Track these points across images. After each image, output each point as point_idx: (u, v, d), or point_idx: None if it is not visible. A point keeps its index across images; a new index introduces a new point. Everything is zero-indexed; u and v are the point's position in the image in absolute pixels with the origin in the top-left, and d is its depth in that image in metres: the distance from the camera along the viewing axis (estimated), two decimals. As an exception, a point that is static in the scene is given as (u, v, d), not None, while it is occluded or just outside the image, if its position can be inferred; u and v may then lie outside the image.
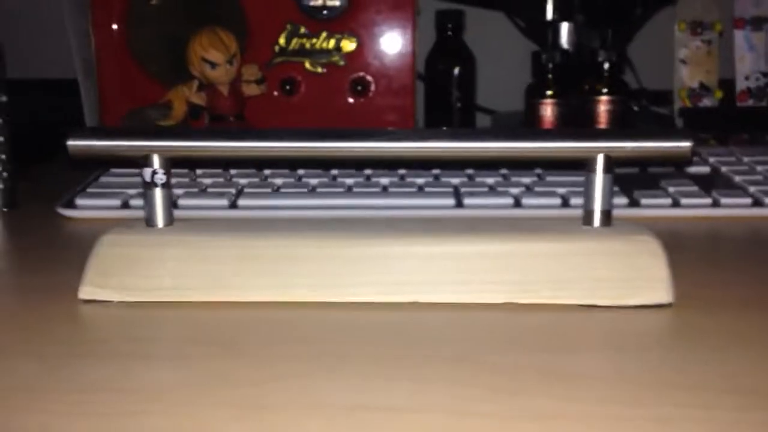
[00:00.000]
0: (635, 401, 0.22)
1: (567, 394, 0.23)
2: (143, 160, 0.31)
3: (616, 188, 0.44)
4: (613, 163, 0.31)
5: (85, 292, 0.30)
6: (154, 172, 0.31)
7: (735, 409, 0.22)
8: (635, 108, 0.68)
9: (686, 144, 0.31)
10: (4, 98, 0.44)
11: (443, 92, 0.69)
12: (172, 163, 0.32)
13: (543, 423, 0.21)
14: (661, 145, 0.31)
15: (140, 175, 0.32)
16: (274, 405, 0.22)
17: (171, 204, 0.32)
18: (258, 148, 0.32)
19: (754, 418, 0.21)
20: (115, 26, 0.60)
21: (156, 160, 0.31)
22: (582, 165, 0.32)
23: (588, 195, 0.32)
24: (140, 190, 0.43)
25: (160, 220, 0.32)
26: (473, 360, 0.25)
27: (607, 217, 0.32)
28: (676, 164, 0.48)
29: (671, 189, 0.44)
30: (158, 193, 0.32)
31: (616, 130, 0.32)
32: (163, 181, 0.32)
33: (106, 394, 0.23)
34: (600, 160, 0.31)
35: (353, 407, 0.22)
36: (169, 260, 0.30)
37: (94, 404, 0.22)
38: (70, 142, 0.31)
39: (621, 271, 0.30)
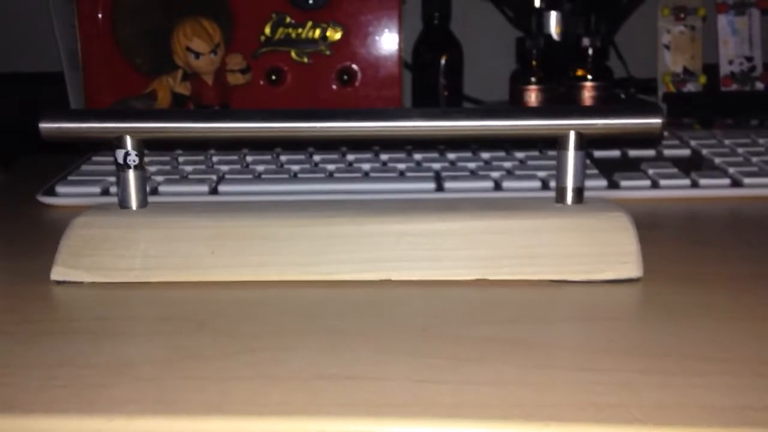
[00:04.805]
0: (599, 368, 0.22)
1: (532, 362, 0.23)
2: (116, 142, 0.31)
3: (595, 171, 0.44)
4: (585, 140, 0.31)
5: (57, 273, 0.30)
6: (127, 154, 0.31)
7: (693, 374, 0.22)
8: (622, 96, 0.68)
9: (657, 120, 0.31)
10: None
11: (430, 81, 0.69)
12: (146, 144, 0.32)
13: (502, 388, 0.21)
14: (631, 122, 0.31)
15: (113, 156, 0.32)
16: (239, 377, 0.22)
17: (145, 186, 0.32)
18: (232, 129, 0.32)
19: (712, 382, 0.21)
20: (100, 17, 0.60)
21: (128, 142, 0.31)
22: (554, 143, 0.32)
23: (560, 172, 0.32)
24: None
25: (133, 202, 0.32)
26: (439, 332, 0.25)
27: (579, 194, 0.32)
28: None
29: (651, 171, 0.44)
30: (131, 175, 0.32)
31: (588, 107, 0.33)
32: (135, 163, 0.32)
33: (72, 369, 0.23)
34: (572, 137, 0.31)
35: (314, 377, 0.22)
36: (142, 241, 0.30)
37: (59, 378, 0.22)
38: (43, 125, 0.31)
39: (592, 246, 0.30)
